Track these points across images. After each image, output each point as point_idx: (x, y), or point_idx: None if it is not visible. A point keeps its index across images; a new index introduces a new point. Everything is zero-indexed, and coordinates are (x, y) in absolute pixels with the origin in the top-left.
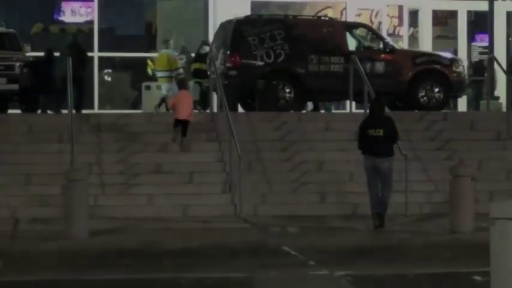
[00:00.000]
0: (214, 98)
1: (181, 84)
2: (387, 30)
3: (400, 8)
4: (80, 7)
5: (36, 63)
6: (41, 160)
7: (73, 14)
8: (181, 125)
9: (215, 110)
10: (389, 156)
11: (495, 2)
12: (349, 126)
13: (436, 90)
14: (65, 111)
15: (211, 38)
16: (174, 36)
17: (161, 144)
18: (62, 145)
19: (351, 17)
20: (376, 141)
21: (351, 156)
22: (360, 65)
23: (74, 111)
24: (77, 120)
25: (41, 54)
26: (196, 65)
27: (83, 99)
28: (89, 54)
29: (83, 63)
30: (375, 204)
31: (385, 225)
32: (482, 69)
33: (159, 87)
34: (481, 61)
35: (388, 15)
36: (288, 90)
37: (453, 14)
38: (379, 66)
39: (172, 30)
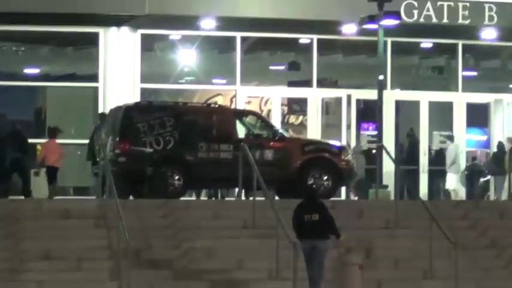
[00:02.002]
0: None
1: (51, 133)
2: (276, 118)
3: (289, 96)
4: None
5: None
6: None
7: None
8: (51, 173)
9: (104, 196)
10: (327, 239)
11: (384, 91)
12: (238, 214)
13: (325, 178)
14: None
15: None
16: None
17: (50, 229)
18: None
19: (240, 105)
20: (313, 225)
21: (240, 243)
22: (249, 153)
23: None
24: None
25: None
26: None
27: (29, 184)
28: None
29: (25, 150)
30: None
31: None
32: (371, 157)
33: None
34: (370, 150)
35: (277, 103)
36: (177, 178)
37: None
38: (269, 154)
39: (62, 116)
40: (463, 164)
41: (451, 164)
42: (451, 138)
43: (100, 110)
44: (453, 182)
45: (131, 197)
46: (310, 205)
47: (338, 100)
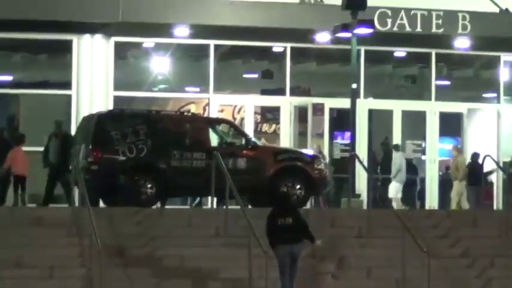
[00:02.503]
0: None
1: (19, 141)
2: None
3: (263, 104)
4: None
5: None
6: None
7: None
8: (19, 182)
9: (76, 204)
10: (302, 242)
11: (357, 100)
12: (212, 222)
13: (298, 187)
14: None
15: (73, 132)
16: None
17: (22, 237)
18: None
19: (213, 113)
20: (287, 229)
21: (213, 252)
22: (222, 161)
23: None
24: None
25: None
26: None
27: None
28: None
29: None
30: None
31: None
32: (344, 166)
33: None
34: (342, 158)
35: (250, 112)
36: (149, 186)
37: (315, 111)
38: (241, 162)
39: (35, 123)
40: (435, 172)
41: (396, 172)
42: (396, 147)
43: (73, 118)
44: (395, 191)
45: (104, 205)
46: (283, 209)
47: (310, 109)
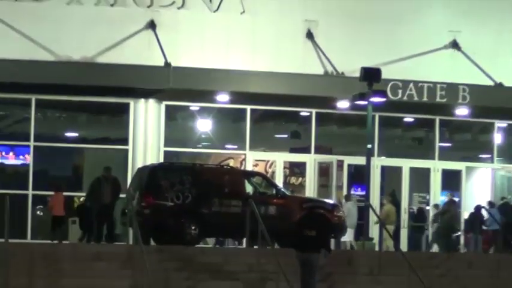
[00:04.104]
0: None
1: (58, 188)
2: (279, 178)
3: (291, 160)
4: (15, 152)
5: None
6: None
7: (11, 157)
8: (57, 221)
9: (131, 242)
10: (317, 252)
11: (372, 158)
12: (246, 260)
13: None
14: None
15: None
16: None
17: (82, 271)
18: None
19: (249, 167)
20: (309, 239)
21: (247, 285)
22: (256, 208)
23: None
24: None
25: None
26: None
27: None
28: (25, 192)
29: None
30: None
31: None
32: (359, 214)
33: None
34: (358, 207)
35: (280, 166)
36: (193, 228)
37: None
38: (272, 209)
39: (96, 173)
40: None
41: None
42: (347, 197)
43: (129, 169)
44: (347, 233)
45: (154, 243)
46: (311, 224)
47: (332, 165)
